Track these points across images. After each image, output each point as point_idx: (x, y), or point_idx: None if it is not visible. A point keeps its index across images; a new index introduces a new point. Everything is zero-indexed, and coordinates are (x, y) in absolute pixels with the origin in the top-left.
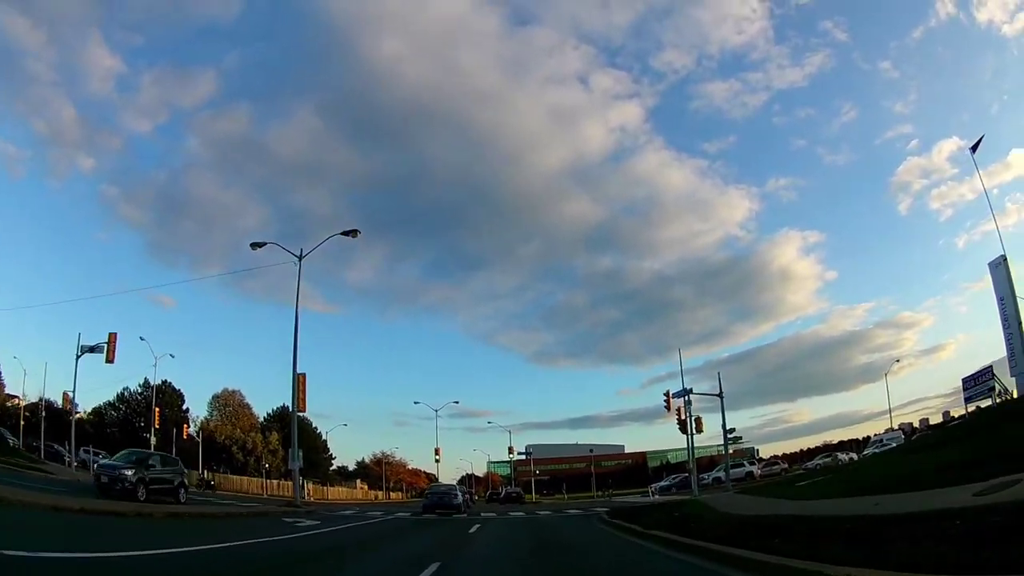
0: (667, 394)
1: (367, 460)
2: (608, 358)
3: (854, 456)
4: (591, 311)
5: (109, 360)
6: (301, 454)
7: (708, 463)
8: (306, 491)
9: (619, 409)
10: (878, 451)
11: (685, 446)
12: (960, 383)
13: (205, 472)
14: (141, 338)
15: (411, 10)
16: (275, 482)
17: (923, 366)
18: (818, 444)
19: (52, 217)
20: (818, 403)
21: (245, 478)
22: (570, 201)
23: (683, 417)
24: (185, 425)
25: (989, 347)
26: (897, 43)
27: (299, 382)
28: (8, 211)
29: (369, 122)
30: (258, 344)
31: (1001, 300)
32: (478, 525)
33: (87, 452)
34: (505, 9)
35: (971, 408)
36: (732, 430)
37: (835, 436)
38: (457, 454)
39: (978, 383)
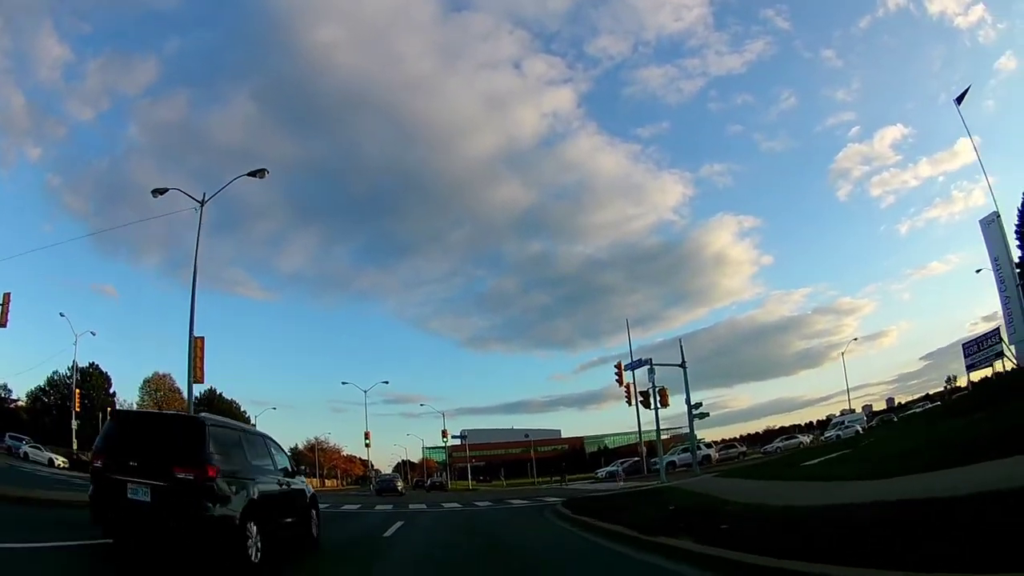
0: (618, 366)
1: (300, 447)
2: (540, 343)
3: (806, 440)
4: (522, 296)
5: (2, 324)
6: None
7: (650, 449)
8: None
9: (552, 394)
10: (842, 433)
11: (623, 430)
12: (905, 369)
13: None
14: (61, 314)
15: None
16: None
17: (864, 352)
18: (759, 429)
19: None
20: (756, 388)
21: None
22: (501, 186)
23: (632, 393)
24: (111, 409)
25: (935, 334)
26: (841, 32)
27: (196, 347)
28: None
29: (304, 109)
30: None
31: (996, 261)
32: (399, 524)
33: (14, 439)
34: None
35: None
36: (698, 404)
37: (775, 421)
38: (393, 439)
39: (982, 348)
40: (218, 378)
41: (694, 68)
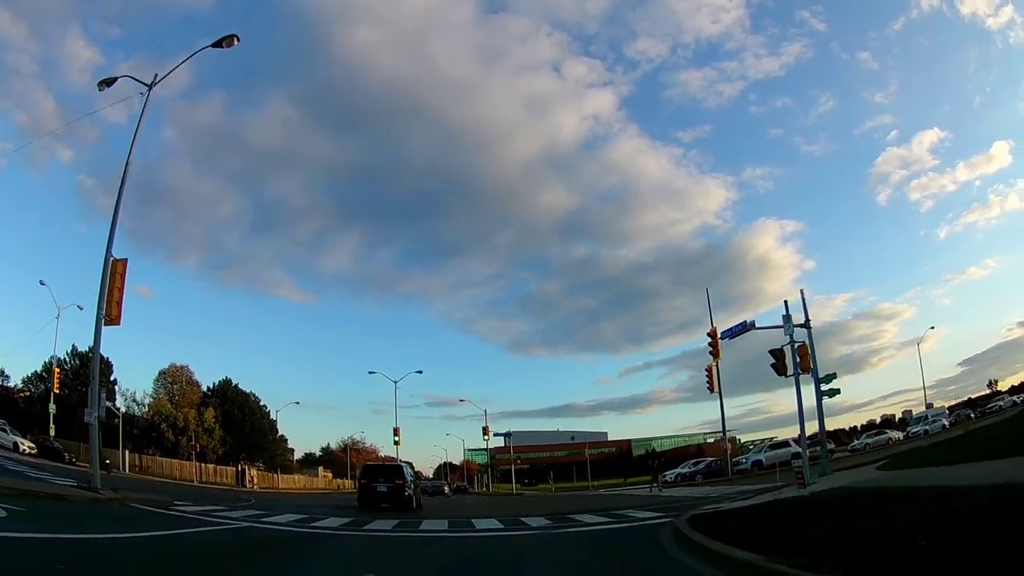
0: (712, 334)
1: (332, 446)
2: (585, 347)
3: (896, 435)
4: (567, 299)
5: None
6: (104, 397)
7: (693, 453)
8: (248, 478)
9: (597, 398)
10: (929, 428)
11: (669, 433)
12: (943, 374)
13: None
14: (41, 282)
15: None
16: (211, 467)
17: (903, 358)
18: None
19: (33, 209)
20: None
21: (176, 462)
22: (544, 189)
23: (714, 379)
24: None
25: (972, 340)
26: (877, 34)
27: (114, 273)
28: None
29: (343, 111)
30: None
31: None
32: None
33: None
34: None
35: None
36: (830, 376)
37: (814, 427)
38: (434, 442)
39: None
40: (250, 375)
41: (733, 71)
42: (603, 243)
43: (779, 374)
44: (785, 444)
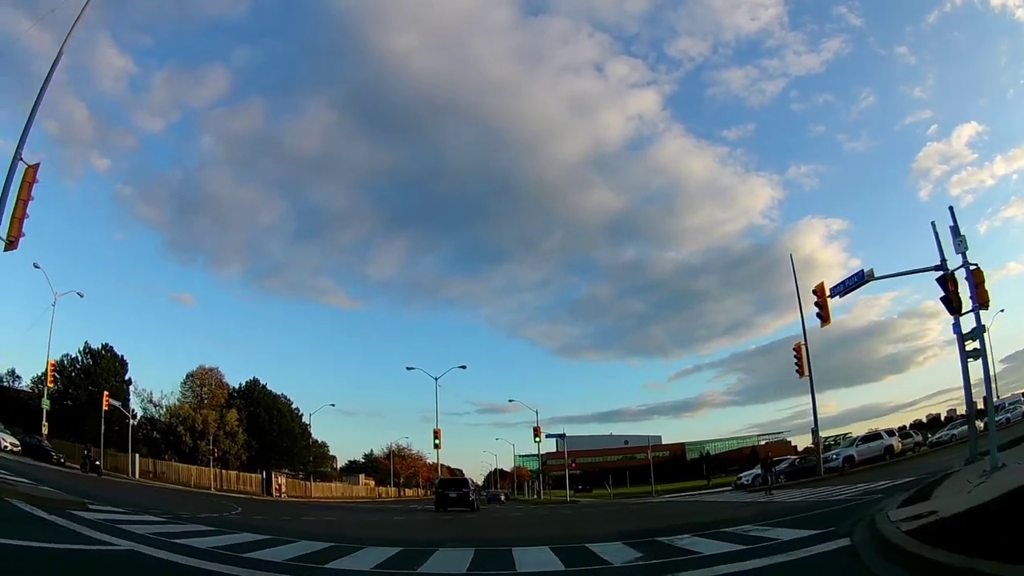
0: (819, 291)
1: (376, 453)
2: (634, 351)
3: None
4: (616, 303)
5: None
6: None
7: (747, 455)
8: (275, 486)
9: (647, 402)
10: (1011, 416)
11: (722, 436)
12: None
13: (90, 449)
14: (35, 265)
15: (421, 3)
16: (233, 474)
17: (947, 357)
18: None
19: (69, 217)
20: (844, 395)
21: (194, 468)
22: (590, 191)
23: (803, 360)
24: (104, 398)
25: (1013, 336)
26: (912, 28)
27: (23, 181)
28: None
29: (384, 116)
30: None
31: None
32: None
33: None
34: None
35: None
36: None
37: (861, 428)
38: (486, 448)
39: None
40: (294, 383)
41: (774, 69)
42: (651, 245)
43: (952, 311)
44: (877, 436)
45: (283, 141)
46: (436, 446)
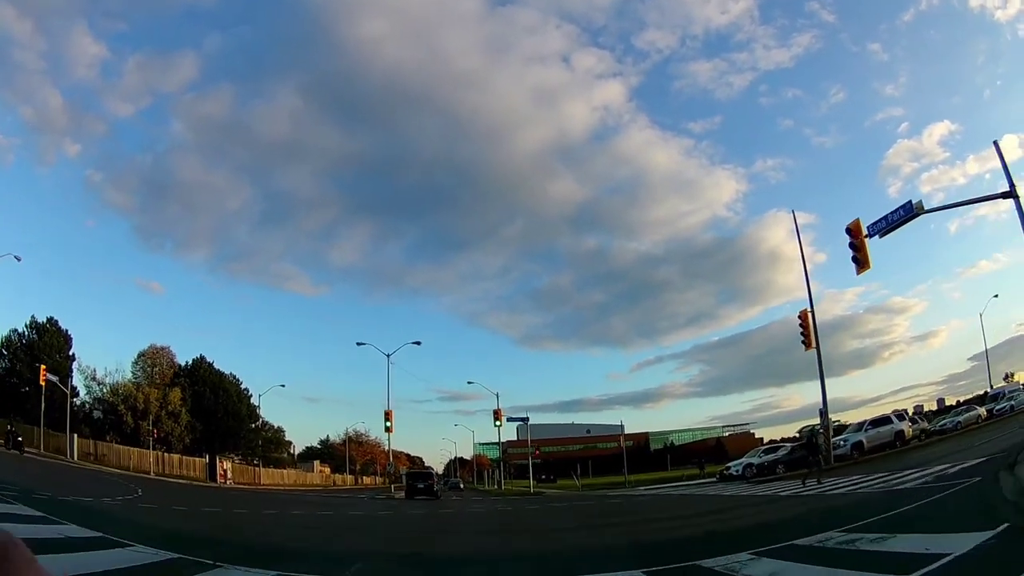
0: (855, 229)
1: (333, 439)
2: (596, 341)
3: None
4: (577, 293)
5: None
6: None
7: (712, 446)
8: (220, 472)
9: (608, 393)
10: (1015, 404)
11: (685, 427)
12: (953, 369)
13: (14, 425)
14: (16, 258)
15: None
16: (176, 457)
17: (914, 353)
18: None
19: (41, 204)
20: (807, 389)
21: (135, 450)
22: (554, 180)
23: (810, 333)
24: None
25: (981, 334)
26: (887, 25)
27: None
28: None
29: (351, 103)
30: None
31: None
32: None
33: None
34: None
35: None
36: None
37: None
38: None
39: None
40: (257, 368)
41: (743, 62)
42: (613, 235)
43: None
44: (886, 420)
45: (251, 126)
46: (387, 429)
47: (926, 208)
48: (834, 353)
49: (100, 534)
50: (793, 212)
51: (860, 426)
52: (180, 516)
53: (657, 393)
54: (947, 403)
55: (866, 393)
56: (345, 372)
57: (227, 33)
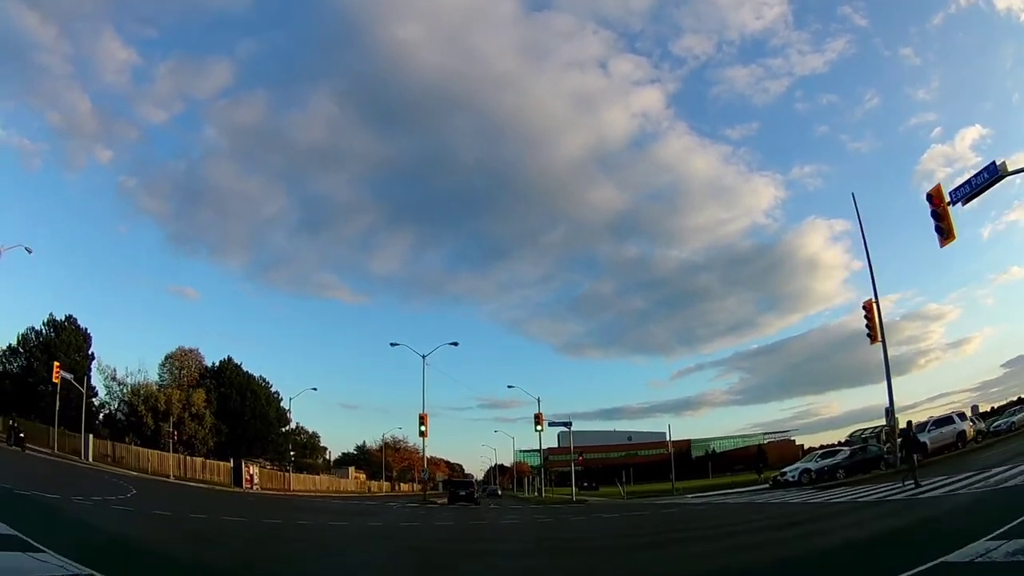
0: (936, 196)
1: (369, 445)
2: (636, 349)
3: None
4: (618, 300)
5: None
6: None
7: (754, 454)
8: (246, 476)
9: (649, 400)
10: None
11: (725, 434)
12: (986, 376)
13: (16, 422)
14: (27, 249)
15: None
16: (199, 460)
17: (949, 360)
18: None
19: (70, 209)
20: (847, 396)
21: (156, 453)
22: (594, 187)
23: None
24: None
25: (1015, 341)
26: (918, 29)
27: None
28: (26, 203)
29: (387, 108)
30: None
31: None
32: None
33: None
34: None
35: None
36: None
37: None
38: (486, 443)
39: None
40: (293, 376)
41: (779, 68)
42: (654, 243)
43: None
44: (948, 420)
45: (286, 132)
46: (422, 433)
47: (1011, 170)
48: (872, 361)
49: (15, 533)
50: (854, 197)
51: (923, 426)
52: (149, 521)
53: (697, 401)
54: (980, 410)
55: (903, 400)
56: (384, 379)
57: (260, 39)
